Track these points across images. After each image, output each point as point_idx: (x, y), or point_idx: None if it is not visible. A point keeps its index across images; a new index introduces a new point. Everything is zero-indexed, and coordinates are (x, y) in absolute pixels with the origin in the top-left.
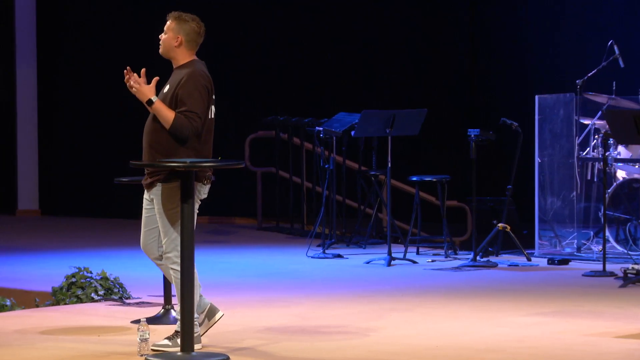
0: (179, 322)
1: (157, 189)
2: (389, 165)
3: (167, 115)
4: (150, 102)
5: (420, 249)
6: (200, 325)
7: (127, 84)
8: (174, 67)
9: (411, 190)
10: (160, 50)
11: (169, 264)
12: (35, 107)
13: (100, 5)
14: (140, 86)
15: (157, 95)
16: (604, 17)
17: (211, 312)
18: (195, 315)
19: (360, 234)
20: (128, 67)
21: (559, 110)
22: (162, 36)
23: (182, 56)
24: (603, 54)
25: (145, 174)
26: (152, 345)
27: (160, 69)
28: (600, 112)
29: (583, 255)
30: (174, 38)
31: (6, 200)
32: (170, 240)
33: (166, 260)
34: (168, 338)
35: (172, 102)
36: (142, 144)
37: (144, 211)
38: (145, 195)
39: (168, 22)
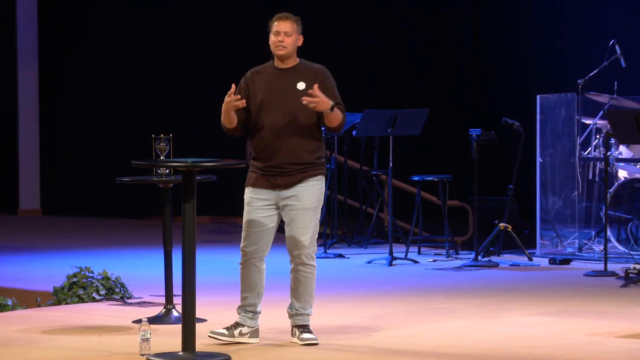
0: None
1: (308, 183)
2: (391, 165)
3: (340, 114)
4: (332, 108)
5: (422, 249)
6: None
7: (231, 104)
8: (284, 66)
9: (413, 190)
10: (283, 52)
11: (305, 261)
12: (37, 107)
13: (101, 5)
14: (320, 98)
15: (291, 93)
16: (606, 17)
17: (255, 332)
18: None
19: (362, 233)
20: (233, 85)
21: (560, 109)
22: (287, 38)
23: (295, 55)
24: (605, 54)
25: (287, 170)
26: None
27: (160, 68)
28: (601, 112)
29: (584, 255)
30: (298, 39)
31: (8, 200)
32: (311, 235)
33: (304, 257)
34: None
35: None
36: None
37: (257, 211)
38: (262, 195)
39: (288, 23)
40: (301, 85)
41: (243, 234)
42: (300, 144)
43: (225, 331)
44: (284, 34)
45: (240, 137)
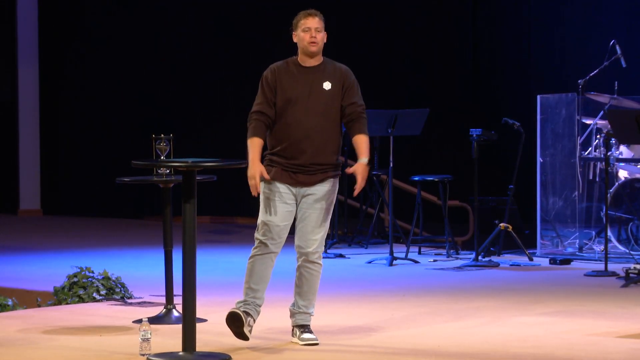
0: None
1: (328, 183)
2: (391, 165)
3: (367, 140)
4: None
5: (422, 249)
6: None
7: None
8: (310, 64)
9: (413, 190)
10: (316, 48)
11: (313, 258)
12: (37, 107)
13: (101, 5)
14: (360, 178)
15: (319, 93)
16: (606, 17)
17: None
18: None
19: (362, 233)
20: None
21: (561, 110)
22: (318, 35)
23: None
24: (605, 54)
25: (310, 169)
26: (300, 341)
27: (160, 68)
28: (602, 112)
29: (585, 255)
30: (325, 35)
31: (8, 200)
32: (323, 235)
33: (313, 255)
34: (311, 331)
35: (340, 96)
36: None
37: (280, 205)
38: (285, 190)
39: (317, 20)
40: (327, 85)
41: (263, 228)
42: (325, 144)
43: (242, 313)
44: (315, 30)
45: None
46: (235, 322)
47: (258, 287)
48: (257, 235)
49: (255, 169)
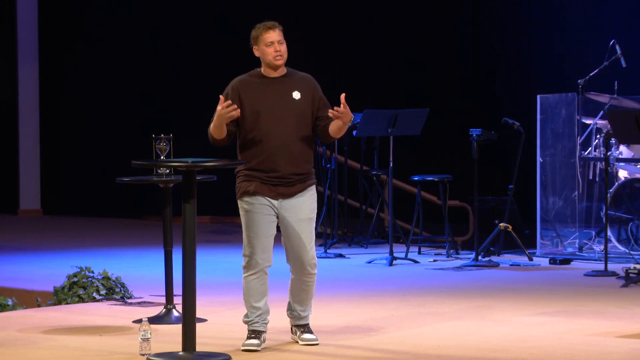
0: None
1: (307, 193)
2: (391, 164)
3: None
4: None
5: (422, 249)
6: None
7: (226, 115)
8: (275, 75)
9: (413, 190)
10: (282, 61)
11: (311, 270)
12: (37, 106)
13: (101, 5)
14: (347, 109)
15: (289, 103)
16: (606, 16)
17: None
18: (257, 315)
19: (362, 233)
20: (222, 97)
21: (560, 109)
22: (282, 47)
23: None
24: (605, 54)
25: (290, 180)
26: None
27: (160, 68)
28: (602, 112)
29: (585, 255)
30: (285, 45)
31: (8, 200)
32: (313, 245)
33: (310, 267)
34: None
35: (313, 109)
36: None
37: (263, 218)
38: (266, 203)
39: (277, 32)
40: (297, 95)
41: (250, 244)
42: (301, 153)
43: (256, 341)
44: (278, 43)
45: (226, 147)
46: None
47: (259, 303)
48: (244, 252)
49: (216, 113)
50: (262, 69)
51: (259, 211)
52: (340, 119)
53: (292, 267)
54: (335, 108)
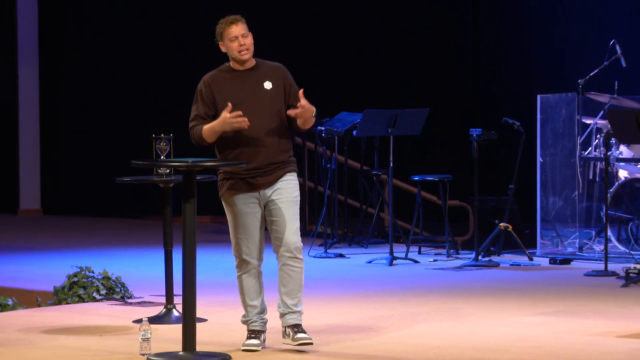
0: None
1: (288, 177)
2: (391, 164)
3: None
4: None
5: (422, 249)
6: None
7: (234, 124)
8: (245, 67)
9: (413, 189)
10: (249, 55)
11: (296, 254)
12: (37, 106)
13: (101, 5)
14: (307, 106)
15: (261, 94)
16: (606, 16)
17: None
18: (255, 314)
19: (362, 233)
20: (230, 104)
21: (561, 109)
22: (247, 41)
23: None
24: (605, 54)
25: (267, 170)
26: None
27: (160, 68)
28: (602, 112)
29: (585, 255)
30: (251, 37)
31: (8, 200)
32: (297, 228)
33: (295, 251)
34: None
35: (285, 97)
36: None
37: (247, 215)
38: (247, 199)
39: (241, 26)
40: (268, 85)
41: (238, 244)
42: (276, 144)
43: (256, 341)
44: (242, 37)
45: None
46: (254, 350)
47: (255, 302)
48: (234, 252)
49: (221, 119)
50: (231, 63)
51: (241, 209)
52: (302, 116)
53: (278, 255)
54: (290, 110)
